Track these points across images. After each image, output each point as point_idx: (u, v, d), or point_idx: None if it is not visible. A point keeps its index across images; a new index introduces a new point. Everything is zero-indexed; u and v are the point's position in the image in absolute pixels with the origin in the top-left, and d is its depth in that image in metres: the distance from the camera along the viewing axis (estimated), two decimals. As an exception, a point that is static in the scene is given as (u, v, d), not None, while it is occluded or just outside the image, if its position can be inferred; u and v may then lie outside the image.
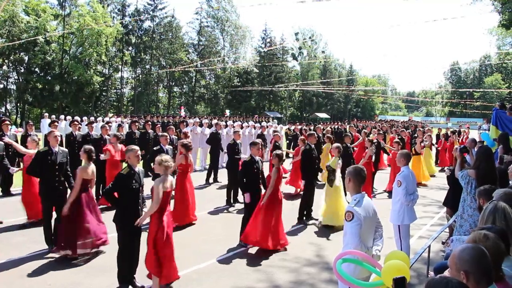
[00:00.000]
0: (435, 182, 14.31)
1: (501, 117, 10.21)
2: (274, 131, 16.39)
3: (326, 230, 8.35)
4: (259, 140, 8.22)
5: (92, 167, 6.69)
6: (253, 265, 6.39)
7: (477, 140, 8.51)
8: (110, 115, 28.12)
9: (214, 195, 11.44)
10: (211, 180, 13.27)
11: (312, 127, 20.58)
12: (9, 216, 8.33)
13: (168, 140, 10.19)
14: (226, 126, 18.99)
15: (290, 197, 11.39)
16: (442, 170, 17.30)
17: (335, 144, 9.29)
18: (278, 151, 7.34)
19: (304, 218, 8.91)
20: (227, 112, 32.30)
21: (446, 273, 2.64)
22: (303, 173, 9.16)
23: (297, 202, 10.74)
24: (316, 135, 10.00)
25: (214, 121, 20.06)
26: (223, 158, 15.09)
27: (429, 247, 4.89)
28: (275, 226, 7.00)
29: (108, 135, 10.99)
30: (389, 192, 12.00)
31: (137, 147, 5.71)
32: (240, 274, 6.01)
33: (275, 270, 6.20)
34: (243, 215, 7.46)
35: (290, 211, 9.57)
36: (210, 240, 7.53)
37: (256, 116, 43.14)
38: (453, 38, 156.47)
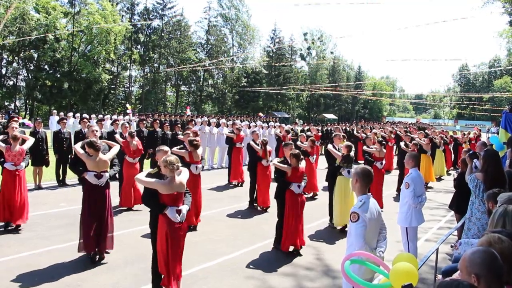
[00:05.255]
0: (442, 185, 14.23)
1: (511, 120, 10.15)
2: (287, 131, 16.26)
3: (331, 232, 8.34)
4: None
5: (102, 157, 6.24)
6: (260, 266, 6.37)
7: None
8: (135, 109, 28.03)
9: (222, 196, 11.45)
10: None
11: (320, 128, 20.51)
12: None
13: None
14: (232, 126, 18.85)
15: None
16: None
17: (346, 143, 9.08)
18: (295, 151, 7.30)
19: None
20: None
21: (455, 276, 2.62)
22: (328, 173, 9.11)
23: (311, 203, 10.75)
24: (340, 136, 9.59)
25: (222, 121, 20.05)
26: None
27: (437, 250, 4.84)
28: (295, 226, 6.89)
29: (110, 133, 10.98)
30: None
31: (167, 148, 5.45)
32: (247, 275, 6.01)
33: (279, 272, 6.19)
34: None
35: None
36: (216, 240, 7.53)
37: (259, 114, 42.92)
38: (462, 40, 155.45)
